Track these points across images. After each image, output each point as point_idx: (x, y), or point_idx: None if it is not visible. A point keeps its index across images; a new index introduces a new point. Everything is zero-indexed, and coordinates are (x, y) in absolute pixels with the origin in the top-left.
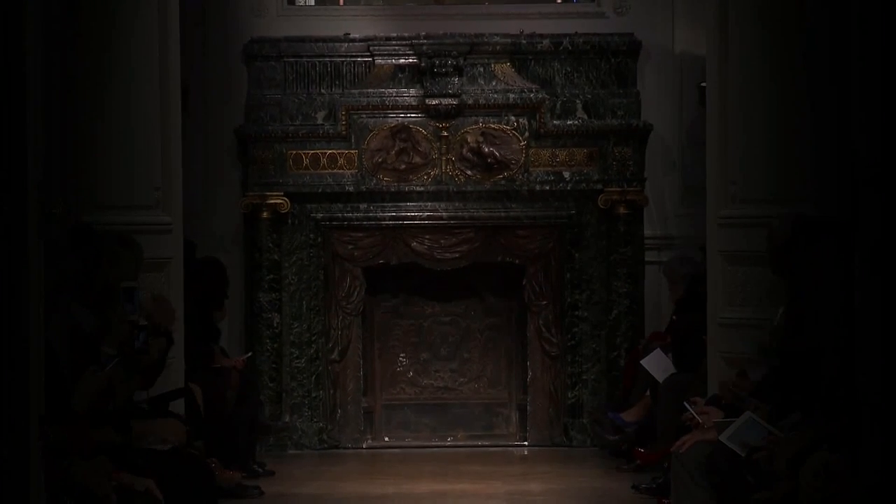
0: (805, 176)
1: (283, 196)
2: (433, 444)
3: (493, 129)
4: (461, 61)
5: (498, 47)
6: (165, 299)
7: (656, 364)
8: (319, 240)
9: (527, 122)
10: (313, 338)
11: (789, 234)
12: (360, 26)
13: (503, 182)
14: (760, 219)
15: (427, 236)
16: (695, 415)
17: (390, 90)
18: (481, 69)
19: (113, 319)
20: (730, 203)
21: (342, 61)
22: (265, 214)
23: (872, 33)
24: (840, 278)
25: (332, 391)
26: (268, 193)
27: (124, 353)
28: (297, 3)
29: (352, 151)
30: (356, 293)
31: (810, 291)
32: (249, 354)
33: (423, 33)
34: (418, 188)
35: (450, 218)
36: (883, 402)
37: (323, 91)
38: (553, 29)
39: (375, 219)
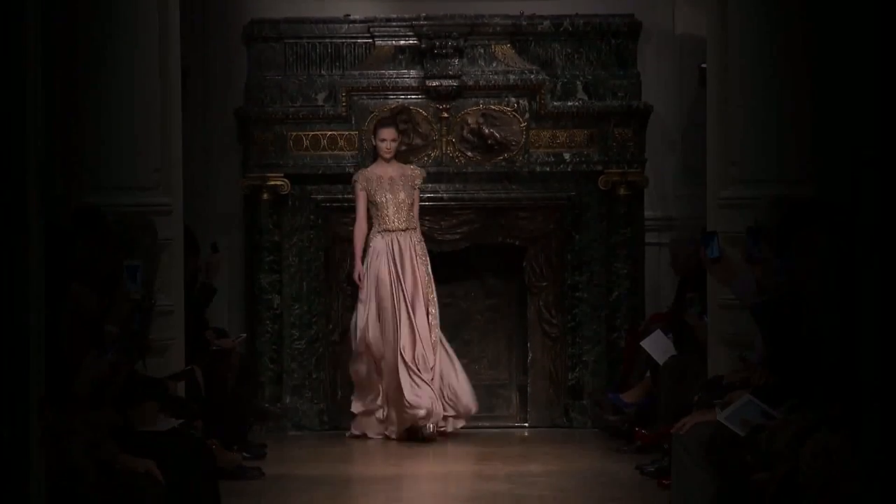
0: (805, 157)
1: (284, 177)
2: None
3: (494, 110)
4: (461, 42)
5: (498, 28)
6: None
7: (656, 345)
8: (320, 221)
9: (527, 104)
10: (314, 319)
11: (778, 218)
12: (360, 7)
13: (503, 163)
14: (760, 200)
15: (427, 217)
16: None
17: (390, 71)
18: (481, 50)
19: (116, 297)
20: (730, 184)
21: (342, 42)
22: (265, 196)
23: (873, 13)
24: (833, 261)
25: (332, 373)
26: (268, 175)
27: (126, 335)
28: None
29: (352, 133)
30: None
31: (802, 274)
32: (244, 336)
33: (423, 14)
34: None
35: (450, 199)
36: (882, 383)
37: (323, 72)
38: (553, 10)
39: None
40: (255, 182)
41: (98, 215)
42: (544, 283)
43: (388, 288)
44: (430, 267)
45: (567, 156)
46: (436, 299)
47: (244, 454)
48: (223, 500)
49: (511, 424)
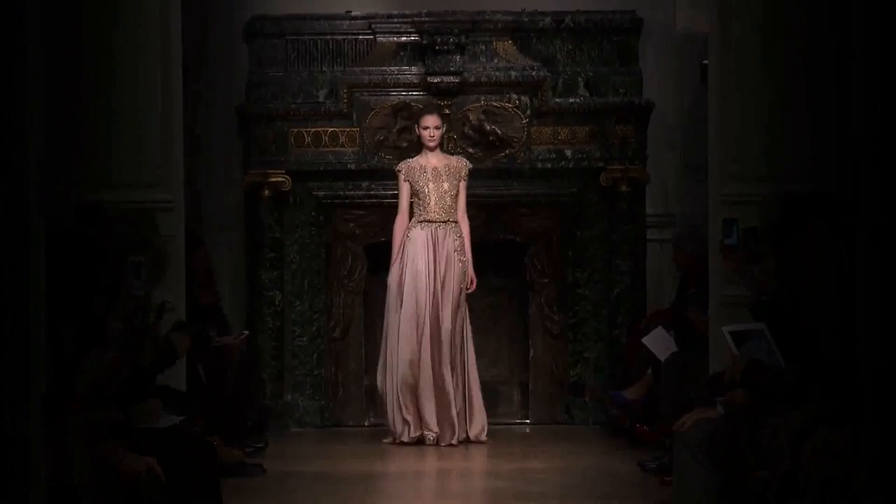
0: (807, 154)
1: (285, 174)
2: None
3: (495, 106)
4: (463, 39)
5: (500, 25)
6: None
7: (658, 342)
8: (321, 218)
9: (528, 100)
10: (315, 316)
11: (780, 214)
12: (362, 3)
13: (505, 160)
14: (762, 197)
15: None
16: None
17: (392, 68)
18: (483, 47)
19: (121, 294)
20: (731, 181)
21: (343, 39)
22: (266, 192)
23: (874, 8)
24: (834, 256)
25: (333, 369)
26: (269, 171)
27: (129, 332)
28: None
29: (353, 129)
30: (358, 271)
31: (804, 270)
32: (247, 333)
33: (425, 11)
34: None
35: None
36: (883, 379)
37: (324, 69)
38: (555, 6)
39: (377, 197)
40: (257, 179)
41: (100, 212)
42: (545, 280)
43: (424, 280)
44: (469, 266)
45: (568, 152)
46: (465, 309)
47: (246, 451)
48: (225, 497)
49: (512, 421)
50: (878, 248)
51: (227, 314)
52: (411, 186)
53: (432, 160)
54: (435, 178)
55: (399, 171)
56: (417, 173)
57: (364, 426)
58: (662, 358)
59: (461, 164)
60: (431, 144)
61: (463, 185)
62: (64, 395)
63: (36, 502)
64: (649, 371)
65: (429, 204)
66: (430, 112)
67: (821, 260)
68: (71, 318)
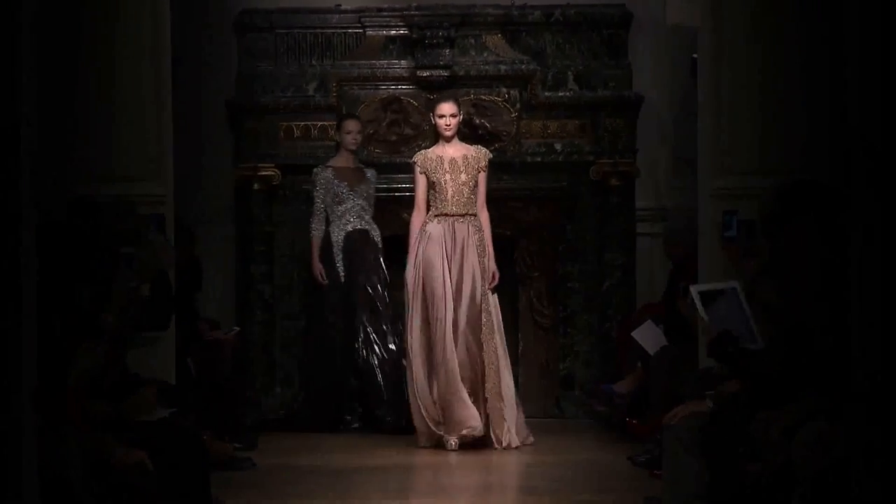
0: (798, 147)
1: (275, 168)
2: None
3: (485, 100)
4: (452, 33)
5: (489, 19)
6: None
7: (647, 336)
8: (311, 211)
9: (518, 94)
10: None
11: (776, 204)
12: None
13: (494, 154)
14: (752, 190)
15: None
16: None
17: (381, 62)
18: (472, 41)
19: (114, 287)
20: (722, 174)
21: (333, 33)
22: (257, 186)
23: (866, 2)
24: (826, 246)
25: None
26: (259, 165)
27: (122, 325)
28: None
29: None
30: None
31: (798, 262)
32: (237, 329)
33: (415, 4)
34: (410, 160)
35: None
36: (875, 372)
37: (314, 62)
38: (544, 0)
39: None
40: (247, 172)
41: (92, 206)
42: (536, 274)
43: (441, 278)
44: (491, 260)
45: (558, 146)
46: (494, 299)
47: (236, 445)
48: (216, 491)
49: None
50: (869, 241)
51: (217, 308)
52: (427, 178)
53: (449, 150)
54: (452, 169)
55: (414, 162)
56: (434, 164)
57: None
58: (652, 352)
59: (480, 153)
60: (448, 133)
61: (483, 175)
62: (55, 388)
63: (27, 495)
64: (639, 365)
65: (445, 197)
66: (445, 100)
67: (813, 250)
68: (62, 311)
